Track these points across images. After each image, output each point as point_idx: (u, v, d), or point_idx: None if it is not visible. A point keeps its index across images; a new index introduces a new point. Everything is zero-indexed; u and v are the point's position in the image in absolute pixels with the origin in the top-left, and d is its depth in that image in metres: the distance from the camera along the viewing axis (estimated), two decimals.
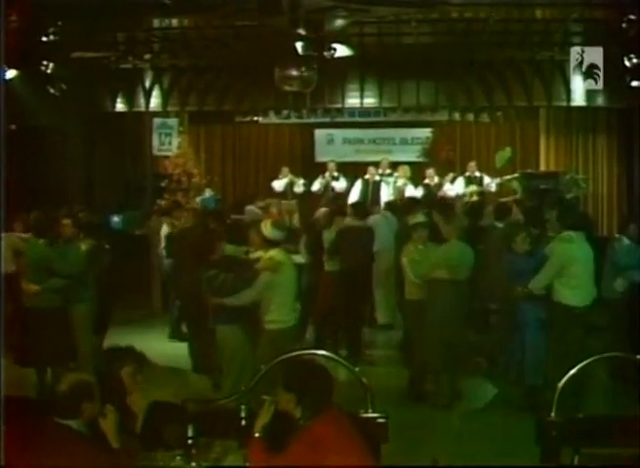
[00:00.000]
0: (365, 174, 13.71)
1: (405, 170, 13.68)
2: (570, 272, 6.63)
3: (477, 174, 13.66)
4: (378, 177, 13.61)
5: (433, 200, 11.72)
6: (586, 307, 6.70)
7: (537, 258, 6.95)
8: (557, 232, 7.11)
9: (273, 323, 6.43)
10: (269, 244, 6.54)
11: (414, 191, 13.26)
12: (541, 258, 6.86)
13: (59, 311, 7.23)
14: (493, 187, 13.47)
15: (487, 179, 13.55)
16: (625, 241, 7.73)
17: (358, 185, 13.62)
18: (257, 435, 3.69)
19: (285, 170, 14.23)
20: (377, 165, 13.93)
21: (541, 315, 6.93)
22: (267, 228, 6.57)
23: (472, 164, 13.88)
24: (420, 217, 7.78)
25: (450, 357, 7.15)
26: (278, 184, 14.05)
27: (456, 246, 7.23)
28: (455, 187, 13.49)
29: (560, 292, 6.68)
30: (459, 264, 7.15)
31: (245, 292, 6.38)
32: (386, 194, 13.33)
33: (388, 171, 13.74)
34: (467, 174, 13.72)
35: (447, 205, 9.70)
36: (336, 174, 13.95)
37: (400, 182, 13.45)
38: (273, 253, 6.47)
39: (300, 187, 13.97)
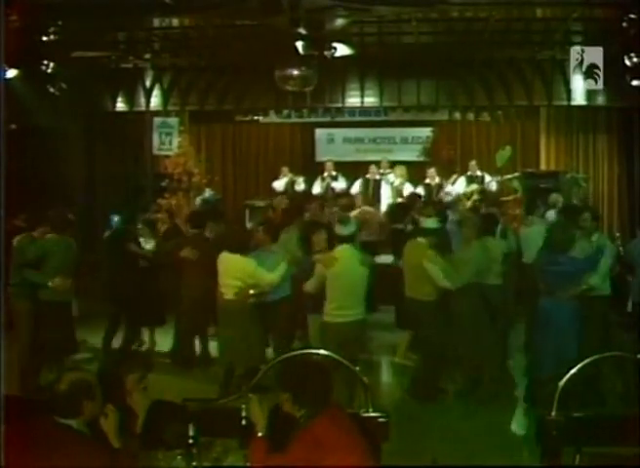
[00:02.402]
0: (366, 173, 13.75)
1: (402, 169, 13.69)
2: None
3: (478, 173, 13.65)
4: (378, 176, 13.63)
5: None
6: None
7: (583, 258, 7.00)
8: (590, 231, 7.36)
9: (328, 315, 6.53)
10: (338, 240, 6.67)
11: (412, 190, 13.27)
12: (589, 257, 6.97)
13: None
14: (494, 186, 13.46)
15: (488, 179, 13.55)
16: None
17: (358, 184, 13.64)
18: (259, 434, 3.69)
19: (285, 169, 14.23)
20: (378, 164, 13.95)
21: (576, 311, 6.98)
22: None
23: (473, 163, 13.87)
24: (433, 223, 7.52)
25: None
26: (278, 184, 14.05)
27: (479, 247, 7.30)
28: (455, 187, 13.49)
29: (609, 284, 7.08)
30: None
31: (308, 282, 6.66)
32: (386, 194, 13.36)
33: (388, 170, 13.76)
34: (469, 173, 13.71)
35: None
36: (334, 173, 13.95)
37: (397, 182, 13.46)
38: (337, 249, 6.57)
39: (300, 185, 13.96)
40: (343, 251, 6.54)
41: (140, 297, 8.60)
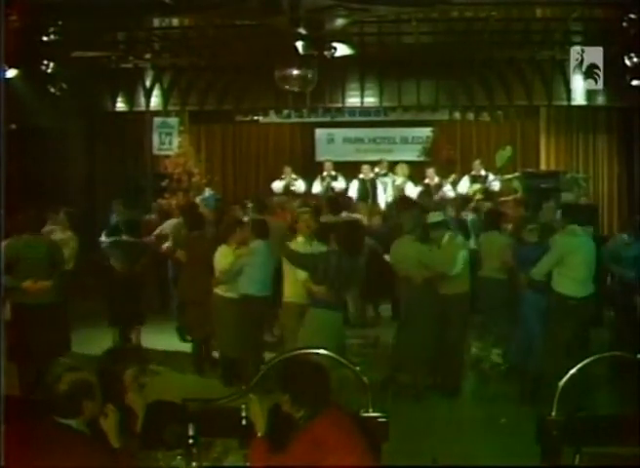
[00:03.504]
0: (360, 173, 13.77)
1: (404, 168, 13.70)
2: (569, 262, 6.80)
3: (482, 172, 13.62)
4: (372, 175, 13.64)
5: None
6: (582, 299, 6.81)
7: (544, 249, 7.15)
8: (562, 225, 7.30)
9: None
10: None
11: (413, 190, 13.27)
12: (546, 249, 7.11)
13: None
14: (497, 186, 13.44)
15: (491, 178, 13.54)
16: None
17: (355, 185, 13.64)
18: (259, 435, 3.69)
19: (288, 169, 14.19)
20: (374, 164, 13.96)
21: (543, 305, 7.13)
22: None
23: (477, 162, 13.83)
24: (438, 217, 7.66)
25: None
26: (277, 185, 14.01)
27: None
28: (459, 187, 13.48)
29: (558, 281, 6.85)
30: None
31: None
32: (382, 192, 13.37)
33: (384, 171, 13.77)
34: (473, 172, 13.68)
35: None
36: (333, 173, 13.95)
37: (399, 181, 13.46)
38: None
39: (301, 187, 13.92)
40: None
41: (120, 296, 8.62)
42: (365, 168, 13.77)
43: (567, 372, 6.10)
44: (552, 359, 6.66)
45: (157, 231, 10.34)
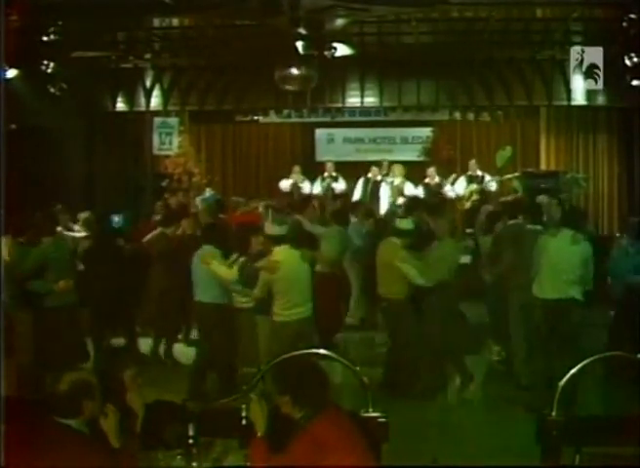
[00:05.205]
0: (366, 173, 13.72)
1: (399, 169, 13.65)
2: (537, 262, 6.83)
3: (479, 173, 13.65)
4: (379, 177, 13.62)
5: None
6: (550, 301, 6.73)
7: None
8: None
9: (277, 315, 6.58)
10: (273, 241, 6.66)
11: (412, 190, 13.26)
12: None
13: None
14: (493, 186, 13.47)
15: (487, 178, 13.55)
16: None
17: (360, 185, 13.62)
18: (259, 434, 3.69)
19: (296, 168, 14.15)
20: (378, 164, 13.94)
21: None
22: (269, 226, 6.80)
23: (473, 162, 13.86)
24: (408, 224, 7.42)
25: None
26: (284, 184, 13.98)
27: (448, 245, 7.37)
28: (455, 187, 13.50)
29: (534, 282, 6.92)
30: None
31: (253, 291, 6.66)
32: (386, 194, 13.36)
33: (385, 171, 13.76)
34: (469, 173, 13.71)
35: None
36: (334, 174, 13.94)
37: (397, 182, 13.44)
38: (276, 250, 6.59)
39: (307, 187, 13.88)
40: (283, 252, 6.59)
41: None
42: (374, 169, 13.69)
43: (535, 372, 6.32)
44: (527, 358, 6.85)
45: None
